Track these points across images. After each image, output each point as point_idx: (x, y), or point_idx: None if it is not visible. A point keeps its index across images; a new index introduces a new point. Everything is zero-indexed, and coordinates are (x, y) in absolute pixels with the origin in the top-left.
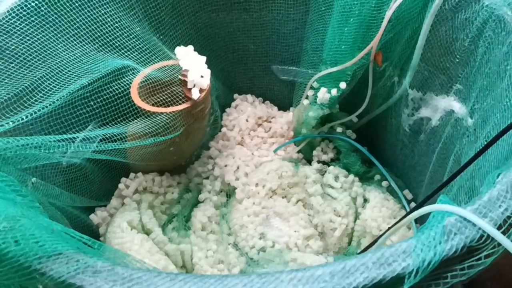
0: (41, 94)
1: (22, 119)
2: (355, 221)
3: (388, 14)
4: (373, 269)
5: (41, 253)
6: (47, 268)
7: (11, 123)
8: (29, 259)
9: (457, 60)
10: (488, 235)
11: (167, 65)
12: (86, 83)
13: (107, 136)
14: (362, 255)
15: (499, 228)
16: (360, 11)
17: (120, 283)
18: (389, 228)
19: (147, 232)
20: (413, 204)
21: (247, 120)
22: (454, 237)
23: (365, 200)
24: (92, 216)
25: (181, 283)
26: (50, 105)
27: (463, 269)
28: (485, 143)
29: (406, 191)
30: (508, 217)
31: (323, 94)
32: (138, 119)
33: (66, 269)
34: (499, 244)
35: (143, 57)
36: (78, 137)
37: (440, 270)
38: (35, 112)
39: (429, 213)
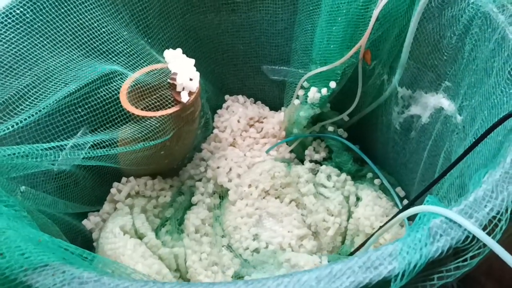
0: (27, 103)
1: (8, 128)
2: (348, 220)
3: (376, 12)
4: (359, 273)
5: (26, 265)
6: (33, 281)
7: None
8: (15, 271)
9: (445, 57)
10: (474, 236)
11: (155, 69)
12: (74, 90)
13: (97, 142)
14: (348, 259)
15: (484, 229)
16: (348, 10)
17: None
18: (377, 230)
19: (140, 237)
20: (405, 202)
21: (238, 121)
22: (439, 239)
23: (358, 199)
24: (85, 222)
25: None
26: (36, 113)
27: (449, 271)
28: (474, 140)
29: (398, 189)
30: (494, 217)
31: (314, 94)
32: (127, 124)
33: (52, 281)
34: (485, 245)
35: (131, 61)
36: (67, 144)
37: (426, 272)
38: (21, 121)
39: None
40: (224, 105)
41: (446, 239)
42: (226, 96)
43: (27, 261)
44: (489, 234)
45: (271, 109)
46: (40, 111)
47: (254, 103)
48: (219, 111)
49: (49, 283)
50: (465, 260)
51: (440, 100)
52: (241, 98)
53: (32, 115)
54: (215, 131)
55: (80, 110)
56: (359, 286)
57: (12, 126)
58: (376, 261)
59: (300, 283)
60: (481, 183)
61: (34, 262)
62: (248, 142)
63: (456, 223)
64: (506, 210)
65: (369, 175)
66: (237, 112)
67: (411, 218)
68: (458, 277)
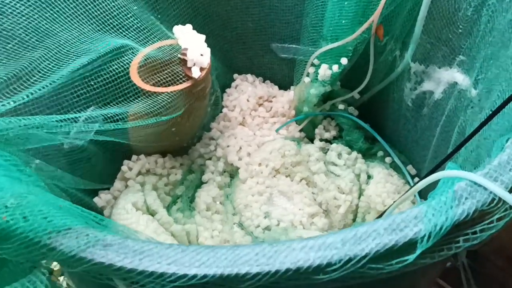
0: (40, 74)
1: (23, 98)
2: (359, 197)
3: None
4: (385, 235)
5: (50, 228)
6: (57, 243)
7: (12, 102)
8: (39, 234)
9: (460, 30)
10: (500, 199)
11: (166, 45)
12: (86, 62)
13: (108, 116)
14: (373, 221)
15: (510, 191)
16: None
17: (131, 255)
18: (389, 207)
19: (152, 214)
20: (416, 179)
21: (248, 100)
22: (465, 202)
23: (369, 177)
24: (96, 199)
25: (193, 253)
26: (50, 84)
27: (475, 233)
28: (490, 112)
29: (409, 167)
30: None
31: (324, 71)
32: (139, 99)
33: (77, 243)
34: (511, 207)
35: (141, 36)
36: (80, 117)
37: (452, 234)
38: (36, 92)
39: (435, 186)
40: (233, 84)
41: (471, 202)
42: (235, 75)
43: (50, 224)
44: None
45: (280, 88)
46: (53, 82)
47: (263, 82)
48: (228, 90)
49: (74, 245)
50: (491, 222)
51: (454, 75)
52: (250, 77)
53: (46, 86)
54: (224, 110)
55: (92, 83)
56: (384, 248)
57: (28, 96)
58: (401, 224)
59: (325, 244)
60: (504, 148)
61: (57, 225)
62: (257, 121)
63: (481, 186)
64: None
65: (380, 153)
66: (246, 91)
67: (423, 196)
68: (484, 239)
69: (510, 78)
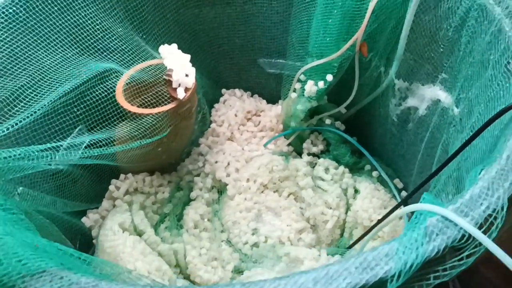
0: (23, 104)
1: (3, 131)
2: (346, 212)
3: (372, 4)
4: (356, 274)
5: (24, 272)
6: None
7: None
8: (13, 278)
9: (442, 49)
10: (470, 235)
11: (151, 65)
12: (69, 89)
13: (94, 141)
14: (345, 260)
15: (480, 227)
16: (344, 2)
17: None
18: (375, 225)
19: (140, 233)
20: (403, 193)
21: (236, 115)
22: (436, 238)
23: (356, 191)
24: (84, 219)
25: None
26: (32, 114)
27: (445, 270)
28: (471, 133)
29: (396, 180)
30: (489, 215)
31: (310, 87)
32: (124, 122)
33: None
34: (481, 244)
35: (126, 58)
36: (62, 145)
37: (422, 271)
38: (17, 123)
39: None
40: (221, 99)
41: (442, 238)
42: (223, 90)
43: (24, 267)
44: (485, 232)
45: (268, 102)
46: (35, 112)
47: (251, 96)
48: (216, 105)
49: None
50: (461, 259)
51: (437, 92)
52: (238, 91)
53: (28, 117)
54: (213, 125)
55: (76, 110)
56: (356, 287)
57: (8, 129)
58: (372, 262)
59: (297, 285)
60: (477, 180)
61: (32, 268)
62: (245, 136)
63: (452, 222)
64: (502, 208)
65: (367, 167)
66: (234, 106)
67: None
68: (453, 276)
69: (488, 101)
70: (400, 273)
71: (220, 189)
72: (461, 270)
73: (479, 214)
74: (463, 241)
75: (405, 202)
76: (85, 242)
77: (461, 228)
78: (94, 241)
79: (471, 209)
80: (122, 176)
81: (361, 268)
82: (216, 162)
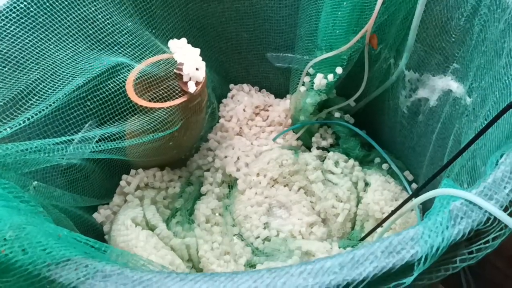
0: (36, 97)
1: (20, 124)
2: (357, 205)
3: None
4: (382, 258)
5: (49, 260)
6: (56, 275)
7: (8, 129)
8: (38, 267)
9: (453, 39)
10: (495, 218)
11: (161, 59)
12: (81, 83)
13: (105, 135)
14: (370, 244)
15: (505, 210)
16: None
17: (130, 286)
18: (389, 215)
19: (152, 228)
20: (414, 185)
21: (244, 110)
22: (461, 221)
23: (366, 184)
24: (95, 215)
25: (191, 282)
26: (46, 108)
27: (471, 253)
28: (485, 122)
29: (406, 172)
30: None
31: (320, 80)
32: (135, 116)
33: (76, 275)
34: (506, 226)
35: (136, 52)
36: (75, 139)
37: (448, 255)
38: (32, 116)
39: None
40: (229, 94)
41: (467, 222)
42: (231, 85)
43: (49, 256)
44: (510, 215)
45: (276, 97)
46: (49, 105)
47: (259, 91)
48: (224, 100)
49: (73, 277)
50: (487, 242)
51: (448, 83)
52: (246, 86)
53: (42, 110)
54: (221, 120)
55: (88, 104)
56: (382, 271)
57: (24, 122)
58: (398, 246)
59: (323, 269)
60: (498, 165)
61: (56, 257)
62: (254, 131)
63: (477, 205)
64: None
65: (377, 160)
66: (243, 101)
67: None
68: (480, 259)
69: (503, 89)
70: (427, 257)
71: (230, 183)
72: (487, 253)
73: (503, 197)
74: (488, 224)
75: (417, 192)
76: (96, 238)
77: (486, 211)
78: (105, 236)
79: (495, 192)
80: (132, 171)
81: (387, 252)
82: (226, 157)
